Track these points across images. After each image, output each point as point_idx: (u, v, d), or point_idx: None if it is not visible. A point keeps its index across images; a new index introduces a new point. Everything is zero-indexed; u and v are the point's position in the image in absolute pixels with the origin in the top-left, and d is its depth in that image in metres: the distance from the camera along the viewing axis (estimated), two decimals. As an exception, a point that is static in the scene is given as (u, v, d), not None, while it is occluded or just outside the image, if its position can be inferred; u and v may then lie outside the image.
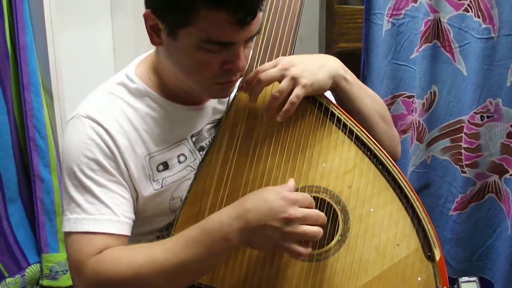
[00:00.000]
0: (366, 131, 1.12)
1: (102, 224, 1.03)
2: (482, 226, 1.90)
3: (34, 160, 1.97)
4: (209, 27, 0.94)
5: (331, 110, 1.12)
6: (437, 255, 1.06)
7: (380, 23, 2.01)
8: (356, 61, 2.11)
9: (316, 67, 1.11)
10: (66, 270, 2.06)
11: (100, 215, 1.03)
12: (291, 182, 1.01)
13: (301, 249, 0.95)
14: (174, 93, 1.12)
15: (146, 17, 1.01)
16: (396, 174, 1.08)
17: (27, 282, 2.04)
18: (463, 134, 1.85)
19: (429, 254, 1.06)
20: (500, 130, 1.80)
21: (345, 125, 1.12)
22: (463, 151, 1.86)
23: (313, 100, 1.13)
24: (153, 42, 1.05)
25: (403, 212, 1.08)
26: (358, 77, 2.09)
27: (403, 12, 1.94)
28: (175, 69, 1.06)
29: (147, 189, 1.09)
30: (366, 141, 1.10)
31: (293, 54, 1.17)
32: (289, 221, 0.94)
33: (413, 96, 1.99)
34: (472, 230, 1.91)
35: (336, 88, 1.14)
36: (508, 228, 1.81)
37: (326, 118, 1.13)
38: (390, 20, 1.97)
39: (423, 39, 1.88)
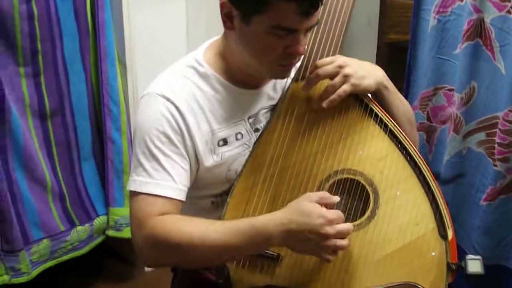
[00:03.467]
0: None
1: (164, 188, 1.16)
2: (509, 218, 1.90)
3: (107, 124, 2.13)
4: (279, 15, 1.08)
5: (371, 107, 1.26)
6: (450, 235, 1.17)
7: (427, 18, 2.02)
8: (404, 52, 2.16)
9: (365, 72, 1.24)
10: (129, 223, 2.26)
11: (163, 181, 1.16)
12: (335, 198, 1.11)
13: (329, 257, 1.09)
14: (237, 77, 1.25)
15: (222, 5, 1.13)
16: (421, 165, 1.21)
17: (95, 231, 2.21)
18: (497, 130, 1.85)
19: (443, 233, 1.17)
20: (533, 129, 1.77)
21: (381, 120, 1.25)
22: (496, 145, 1.87)
23: (357, 97, 1.27)
24: (226, 27, 1.17)
25: (424, 197, 1.20)
26: (404, 68, 2.14)
27: (449, 9, 1.95)
28: (245, 52, 1.17)
29: (209, 161, 1.23)
30: (398, 135, 1.23)
31: (342, 50, 1.29)
32: (326, 237, 1.06)
33: (453, 90, 2.00)
34: (500, 220, 1.91)
35: (377, 93, 1.28)
36: (533, 222, 1.81)
37: (366, 113, 1.26)
38: (437, 16, 1.98)
39: (465, 37, 1.89)
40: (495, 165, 1.89)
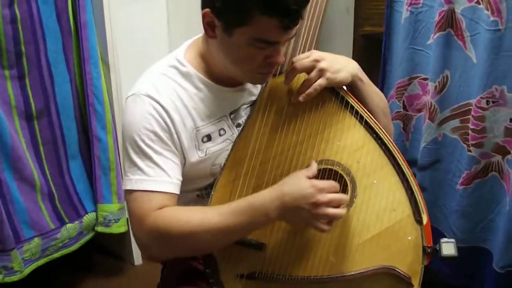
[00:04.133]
0: None
1: (160, 184, 1.19)
2: (485, 201, 1.95)
3: (93, 122, 2.15)
4: (261, 29, 1.11)
5: (346, 100, 1.30)
6: (425, 220, 1.21)
7: (400, 10, 2.06)
8: (379, 44, 2.20)
9: (340, 66, 1.29)
10: (118, 219, 2.25)
11: (158, 177, 1.19)
12: (314, 166, 1.18)
13: (324, 226, 1.13)
14: (218, 76, 1.28)
15: (204, 15, 1.16)
16: (396, 153, 1.25)
17: (84, 228, 2.24)
18: (470, 116, 1.89)
19: (418, 219, 1.21)
20: (504, 115, 1.83)
21: (357, 112, 1.29)
22: (470, 131, 1.90)
23: (333, 91, 1.30)
24: (208, 35, 1.20)
25: (399, 185, 1.23)
26: (379, 59, 2.17)
27: (421, 1, 1.99)
28: (225, 59, 1.21)
29: (194, 156, 1.26)
30: (373, 126, 1.27)
31: (318, 45, 1.33)
32: (317, 205, 1.10)
33: (427, 79, 2.03)
34: (476, 204, 1.96)
35: (352, 85, 1.32)
36: (507, 205, 1.86)
37: (342, 105, 1.30)
38: (409, 8, 2.02)
39: (437, 27, 1.92)
40: (470, 151, 1.93)
